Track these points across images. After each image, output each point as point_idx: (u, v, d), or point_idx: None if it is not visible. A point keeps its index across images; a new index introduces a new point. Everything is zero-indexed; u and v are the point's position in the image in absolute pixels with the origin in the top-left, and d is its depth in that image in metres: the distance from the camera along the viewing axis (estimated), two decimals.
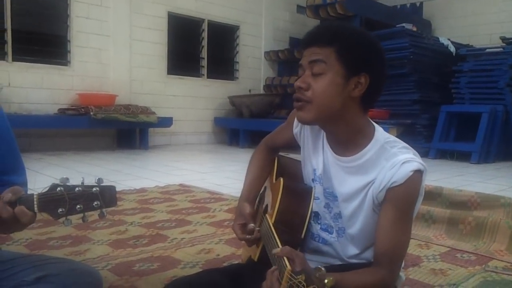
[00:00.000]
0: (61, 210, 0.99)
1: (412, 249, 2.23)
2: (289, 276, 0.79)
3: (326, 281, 0.75)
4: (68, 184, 1.00)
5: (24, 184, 1.27)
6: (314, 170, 1.25)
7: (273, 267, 0.92)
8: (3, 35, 5.96)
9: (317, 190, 1.24)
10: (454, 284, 1.78)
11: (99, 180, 1.02)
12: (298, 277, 0.78)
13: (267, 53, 9.03)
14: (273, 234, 1.08)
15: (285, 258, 0.86)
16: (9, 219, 0.99)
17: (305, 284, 0.76)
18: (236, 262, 1.87)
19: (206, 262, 1.97)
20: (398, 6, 9.32)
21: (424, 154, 6.35)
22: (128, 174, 4.48)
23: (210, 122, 8.34)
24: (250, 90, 8.72)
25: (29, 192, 1.07)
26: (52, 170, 4.47)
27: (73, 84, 6.53)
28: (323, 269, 0.78)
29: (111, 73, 6.94)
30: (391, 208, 1.07)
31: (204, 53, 8.25)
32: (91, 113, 5.98)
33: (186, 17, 7.91)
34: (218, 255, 2.07)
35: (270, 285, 0.89)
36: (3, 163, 1.22)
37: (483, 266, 2.00)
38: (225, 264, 1.91)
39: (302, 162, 1.32)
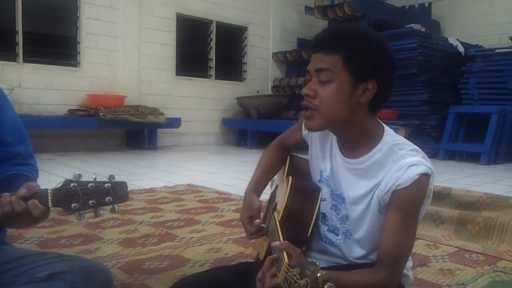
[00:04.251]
0: (74, 205, 1.02)
1: (421, 249, 2.24)
2: (285, 269, 0.83)
3: (318, 275, 0.78)
4: (81, 180, 1.03)
5: (30, 154, 1.34)
6: (321, 172, 1.26)
7: (273, 255, 0.95)
8: (14, 37, 6.03)
9: (324, 192, 1.25)
10: (462, 284, 1.78)
11: (111, 177, 1.05)
12: (293, 270, 0.81)
13: (275, 54, 9.05)
14: (277, 231, 1.10)
15: (284, 252, 0.89)
16: (22, 213, 1.03)
17: (299, 277, 0.79)
18: (244, 261, 1.88)
19: (214, 261, 1.98)
20: (407, 7, 9.29)
21: (433, 155, 6.32)
22: (137, 174, 4.52)
23: (218, 123, 8.36)
24: (258, 91, 8.73)
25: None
26: (62, 170, 4.52)
27: (83, 85, 6.59)
28: (318, 263, 0.81)
29: (120, 74, 6.99)
30: (395, 211, 1.08)
31: (212, 54, 8.29)
32: (100, 114, 6.03)
33: (194, 18, 7.94)
34: (227, 254, 2.09)
35: (261, 276, 0.95)
36: (10, 136, 1.29)
37: (492, 266, 2.00)
38: (233, 263, 1.92)
39: (310, 163, 1.33)
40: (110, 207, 1.05)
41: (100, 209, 1.06)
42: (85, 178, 1.05)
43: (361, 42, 1.08)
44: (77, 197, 1.02)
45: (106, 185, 1.03)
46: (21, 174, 1.22)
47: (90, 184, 1.03)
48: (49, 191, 1.04)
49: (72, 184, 1.03)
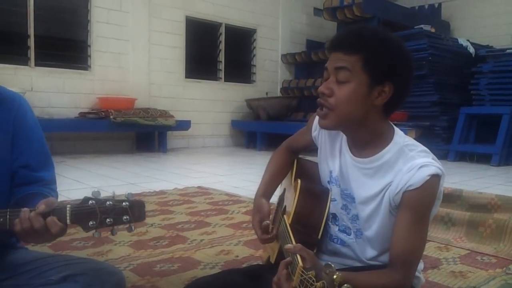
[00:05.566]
0: (92, 223, 1.03)
1: (432, 251, 2.23)
2: (300, 272, 0.83)
3: (334, 276, 0.78)
4: (99, 197, 1.04)
5: (53, 180, 1.32)
6: (331, 171, 1.27)
7: (287, 259, 0.94)
8: (26, 40, 6.10)
9: (334, 192, 1.25)
10: (474, 287, 1.77)
11: (129, 195, 1.06)
12: (308, 273, 0.81)
13: (284, 56, 9.05)
14: (289, 234, 1.10)
15: (298, 255, 0.89)
16: (41, 229, 1.04)
17: (314, 279, 0.79)
18: (255, 263, 1.89)
19: (225, 263, 1.99)
20: (416, 7, 9.24)
21: (443, 156, 6.28)
22: (147, 176, 4.54)
23: (227, 125, 8.38)
24: (267, 93, 8.74)
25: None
26: (73, 172, 4.56)
27: (93, 88, 6.65)
28: (333, 265, 0.81)
29: (130, 77, 7.04)
30: (406, 212, 1.08)
31: (222, 57, 8.31)
32: (111, 117, 6.08)
33: (203, 21, 7.98)
34: (237, 256, 2.10)
35: (277, 280, 0.93)
36: (35, 160, 1.27)
37: (504, 269, 1.98)
38: (244, 265, 1.93)
39: (319, 164, 1.33)
40: (127, 225, 1.06)
41: (117, 227, 1.06)
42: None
43: (382, 45, 1.09)
44: (95, 215, 1.03)
45: (124, 203, 1.04)
46: (40, 193, 1.20)
47: (108, 203, 1.04)
48: (67, 208, 1.04)
49: (90, 202, 1.04)
